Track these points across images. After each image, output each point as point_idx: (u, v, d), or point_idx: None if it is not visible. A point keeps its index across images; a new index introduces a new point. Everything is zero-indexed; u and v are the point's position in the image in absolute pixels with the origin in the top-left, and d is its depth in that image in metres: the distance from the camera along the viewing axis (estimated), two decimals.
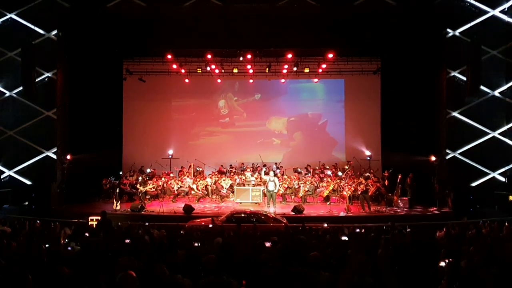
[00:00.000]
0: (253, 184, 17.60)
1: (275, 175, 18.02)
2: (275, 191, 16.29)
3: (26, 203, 16.46)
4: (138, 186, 17.17)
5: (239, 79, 20.80)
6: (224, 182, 18.19)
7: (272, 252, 6.68)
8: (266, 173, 17.61)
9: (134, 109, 21.12)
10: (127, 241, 7.77)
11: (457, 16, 17.70)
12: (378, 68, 20.00)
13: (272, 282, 4.85)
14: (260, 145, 21.28)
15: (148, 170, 19.21)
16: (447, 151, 17.67)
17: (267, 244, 7.34)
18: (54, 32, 18.04)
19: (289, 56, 18.70)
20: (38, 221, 12.27)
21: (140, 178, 18.33)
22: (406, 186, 16.85)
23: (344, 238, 8.76)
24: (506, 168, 17.67)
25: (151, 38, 17.86)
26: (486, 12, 17.71)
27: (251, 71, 20.07)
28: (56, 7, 17.95)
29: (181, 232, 10.65)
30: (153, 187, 17.44)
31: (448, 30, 17.69)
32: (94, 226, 12.55)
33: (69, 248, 7.14)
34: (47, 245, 6.65)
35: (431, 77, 18.04)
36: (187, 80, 20.83)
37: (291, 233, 9.97)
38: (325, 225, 11.71)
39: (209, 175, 19.03)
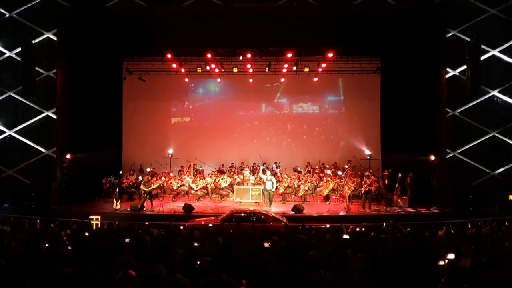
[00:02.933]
0: (252, 184, 17.60)
1: (274, 174, 18.11)
2: (273, 190, 16.34)
3: (26, 202, 16.44)
4: (142, 187, 16.86)
5: (239, 78, 20.77)
6: (224, 181, 18.18)
7: (272, 252, 6.68)
8: (263, 172, 17.59)
9: (134, 108, 21.11)
10: (127, 240, 7.78)
11: (457, 15, 17.67)
12: (378, 67, 20.00)
13: (272, 281, 4.85)
14: (260, 141, 21.31)
15: (148, 170, 19.18)
16: (447, 150, 17.66)
17: (267, 244, 7.34)
18: (54, 31, 18.01)
19: (289, 55, 18.70)
20: (38, 221, 12.26)
21: (140, 177, 18.30)
22: (406, 185, 16.85)
23: (346, 236, 8.73)
24: (506, 167, 17.66)
25: (151, 38, 17.84)
26: (486, 11, 17.68)
27: (251, 70, 20.08)
28: (56, 6, 17.92)
29: (181, 231, 10.65)
30: (156, 187, 17.25)
31: (448, 29, 17.67)
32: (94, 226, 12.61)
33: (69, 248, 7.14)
34: (47, 245, 6.65)
35: (431, 76, 18.04)
36: (187, 80, 20.87)
37: (291, 233, 9.97)
38: (327, 225, 11.69)
39: (208, 174, 19.03)
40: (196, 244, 7.75)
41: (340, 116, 21.32)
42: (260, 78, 20.74)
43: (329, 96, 21.48)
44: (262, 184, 17.10)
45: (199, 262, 5.42)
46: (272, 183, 16.36)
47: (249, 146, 21.20)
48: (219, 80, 20.97)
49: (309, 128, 21.50)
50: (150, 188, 16.28)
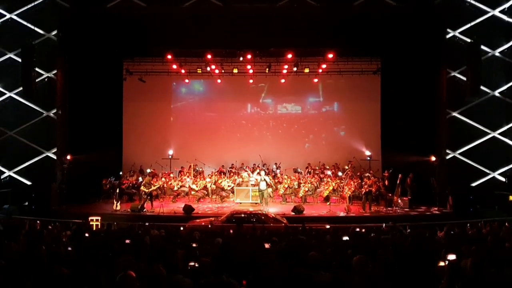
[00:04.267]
0: (252, 184, 17.59)
1: (274, 175, 18.11)
2: (267, 189, 16.38)
3: (26, 203, 16.44)
4: (142, 188, 16.65)
5: (239, 79, 20.78)
6: (224, 182, 18.19)
7: (272, 253, 6.68)
8: (258, 173, 17.58)
9: (134, 109, 21.10)
10: (127, 241, 7.77)
11: (457, 16, 17.71)
12: (378, 68, 19.99)
13: (272, 282, 4.85)
14: (260, 141, 21.34)
15: (148, 170, 19.19)
16: (447, 151, 17.67)
17: (267, 245, 7.33)
18: (54, 32, 18.04)
19: (289, 56, 18.70)
20: (38, 221, 12.27)
21: (140, 178, 18.30)
22: (406, 186, 16.85)
23: (345, 238, 8.72)
24: (506, 168, 17.67)
25: (151, 38, 17.86)
26: (486, 12, 17.71)
27: (251, 71, 20.08)
28: (56, 7, 17.96)
29: (181, 232, 10.65)
30: (156, 188, 17.21)
31: (448, 30, 17.69)
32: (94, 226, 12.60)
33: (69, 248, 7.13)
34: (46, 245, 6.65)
35: (431, 77, 18.04)
36: (187, 80, 20.89)
37: (291, 233, 9.97)
38: (327, 226, 11.70)
39: (208, 175, 19.04)
40: (195, 245, 7.75)
41: (340, 116, 21.31)
42: (260, 79, 20.75)
43: (329, 97, 21.46)
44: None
45: (193, 263, 5.39)
46: (266, 183, 16.41)
47: (250, 147, 21.21)
48: (219, 81, 20.97)
49: (310, 129, 21.48)
50: (150, 189, 16.26)
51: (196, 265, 5.41)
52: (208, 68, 19.60)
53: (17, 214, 15.26)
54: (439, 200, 16.70)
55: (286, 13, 17.53)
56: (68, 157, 17.89)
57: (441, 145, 17.72)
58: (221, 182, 18.05)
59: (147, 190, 16.18)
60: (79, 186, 17.75)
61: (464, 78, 17.40)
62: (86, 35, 17.84)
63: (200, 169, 19.83)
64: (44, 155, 18.34)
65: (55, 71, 17.92)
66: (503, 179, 17.59)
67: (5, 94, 18.39)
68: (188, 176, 18.54)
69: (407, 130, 18.20)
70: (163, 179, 17.98)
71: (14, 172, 18.27)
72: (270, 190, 17.57)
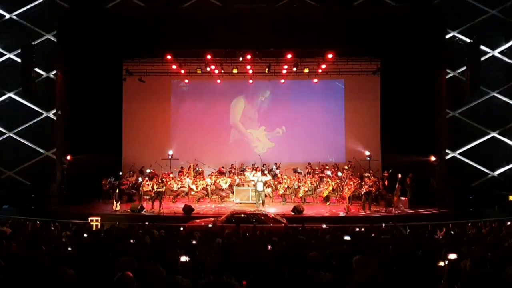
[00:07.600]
0: (253, 184, 17.59)
1: (274, 175, 18.09)
2: (268, 190, 16.39)
3: (26, 203, 16.42)
4: (155, 187, 16.54)
5: (239, 79, 20.78)
6: (224, 182, 18.19)
7: (272, 253, 6.68)
8: (254, 175, 17.57)
9: (134, 110, 21.10)
10: (127, 241, 7.76)
11: (456, 16, 17.70)
12: (377, 68, 20.00)
13: (272, 282, 4.85)
14: (259, 142, 21.32)
15: (148, 171, 19.18)
16: (447, 151, 17.67)
17: (268, 246, 7.33)
18: (54, 32, 18.02)
19: (289, 56, 18.70)
20: (38, 222, 12.27)
21: (140, 179, 18.28)
22: (406, 186, 16.84)
23: (347, 237, 8.70)
24: (506, 168, 17.67)
25: (151, 38, 17.84)
26: (486, 12, 17.69)
27: (250, 71, 20.08)
28: (56, 7, 17.94)
29: (181, 232, 10.65)
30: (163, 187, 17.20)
31: (448, 30, 17.69)
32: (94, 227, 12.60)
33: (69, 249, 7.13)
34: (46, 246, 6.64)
35: (431, 77, 18.05)
36: (186, 81, 20.89)
37: (291, 234, 9.97)
38: (324, 225, 11.70)
39: (208, 175, 19.03)
40: (194, 242, 7.75)
41: (340, 117, 21.29)
42: (260, 79, 20.75)
43: (329, 97, 21.45)
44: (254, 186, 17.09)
45: (184, 259, 5.37)
46: (264, 184, 16.43)
47: (249, 147, 21.20)
48: (218, 81, 20.96)
49: (310, 129, 21.44)
50: (159, 189, 16.28)
51: (187, 259, 5.40)
52: (208, 68, 19.61)
53: (17, 214, 15.22)
54: (439, 200, 16.71)
55: (286, 13, 17.51)
56: (68, 157, 17.88)
57: (440, 145, 17.73)
58: (220, 182, 18.05)
59: (157, 189, 16.20)
60: (79, 187, 17.74)
61: (464, 78, 17.40)
62: (85, 35, 17.80)
63: (200, 170, 19.81)
64: (43, 155, 18.31)
65: (54, 72, 17.91)
66: (503, 179, 17.58)
67: (5, 94, 18.36)
68: (188, 177, 18.54)
69: (407, 130, 18.20)
70: (162, 179, 17.96)
71: (14, 173, 18.24)
72: (269, 190, 17.59)
